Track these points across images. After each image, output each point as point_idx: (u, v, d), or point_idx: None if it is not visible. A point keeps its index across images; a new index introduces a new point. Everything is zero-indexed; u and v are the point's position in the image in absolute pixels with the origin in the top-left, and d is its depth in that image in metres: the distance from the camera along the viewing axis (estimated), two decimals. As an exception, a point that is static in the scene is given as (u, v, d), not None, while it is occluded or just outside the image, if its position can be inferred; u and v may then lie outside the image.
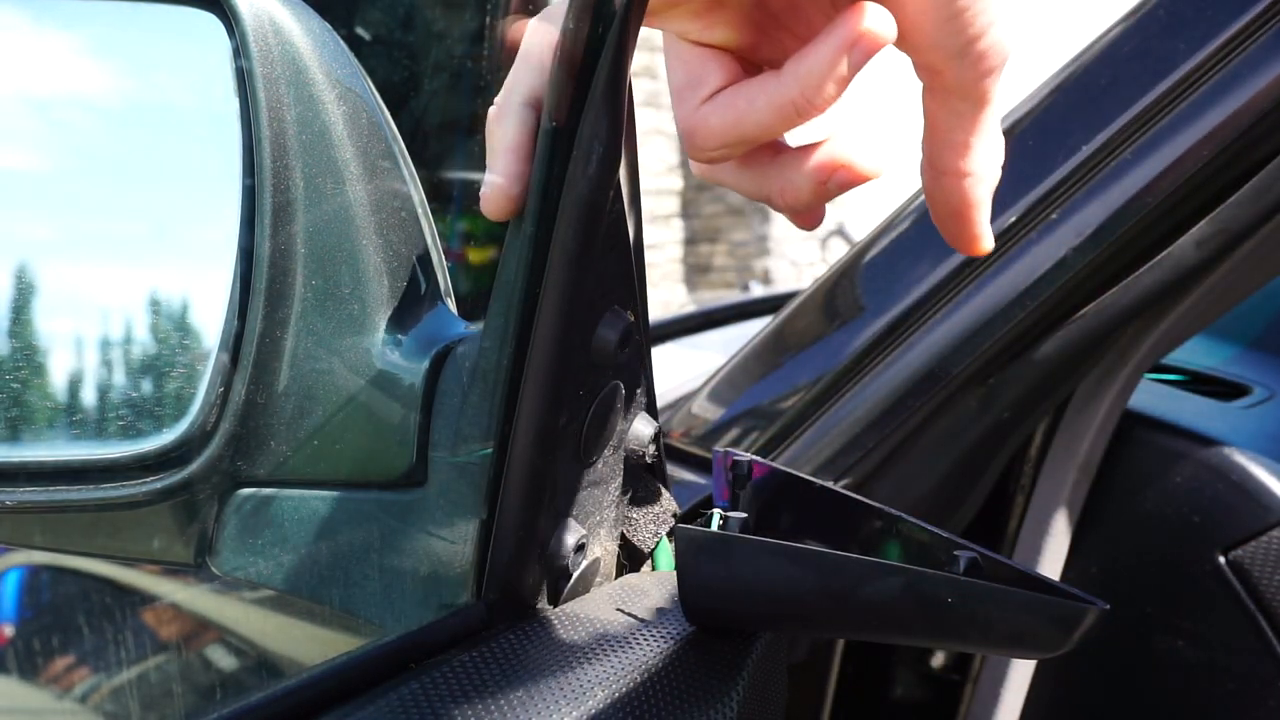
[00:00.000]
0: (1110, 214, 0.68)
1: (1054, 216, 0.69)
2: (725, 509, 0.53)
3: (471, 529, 0.50)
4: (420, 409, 0.52)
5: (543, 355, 0.46)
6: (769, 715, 0.55)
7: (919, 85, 0.41)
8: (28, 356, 0.57)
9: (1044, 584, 0.43)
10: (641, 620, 0.52)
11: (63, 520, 0.58)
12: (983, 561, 0.44)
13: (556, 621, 0.51)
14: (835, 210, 7.22)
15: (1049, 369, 0.74)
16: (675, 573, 0.51)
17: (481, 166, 0.45)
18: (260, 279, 0.52)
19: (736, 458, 0.54)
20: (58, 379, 0.57)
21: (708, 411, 0.90)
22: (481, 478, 0.50)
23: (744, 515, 0.50)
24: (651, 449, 0.58)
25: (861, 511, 0.51)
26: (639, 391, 0.56)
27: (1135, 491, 0.85)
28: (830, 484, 0.65)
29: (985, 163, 0.42)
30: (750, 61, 0.43)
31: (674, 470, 0.81)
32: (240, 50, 0.52)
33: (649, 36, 0.45)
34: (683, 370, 1.25)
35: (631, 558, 0.60)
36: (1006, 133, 0.75)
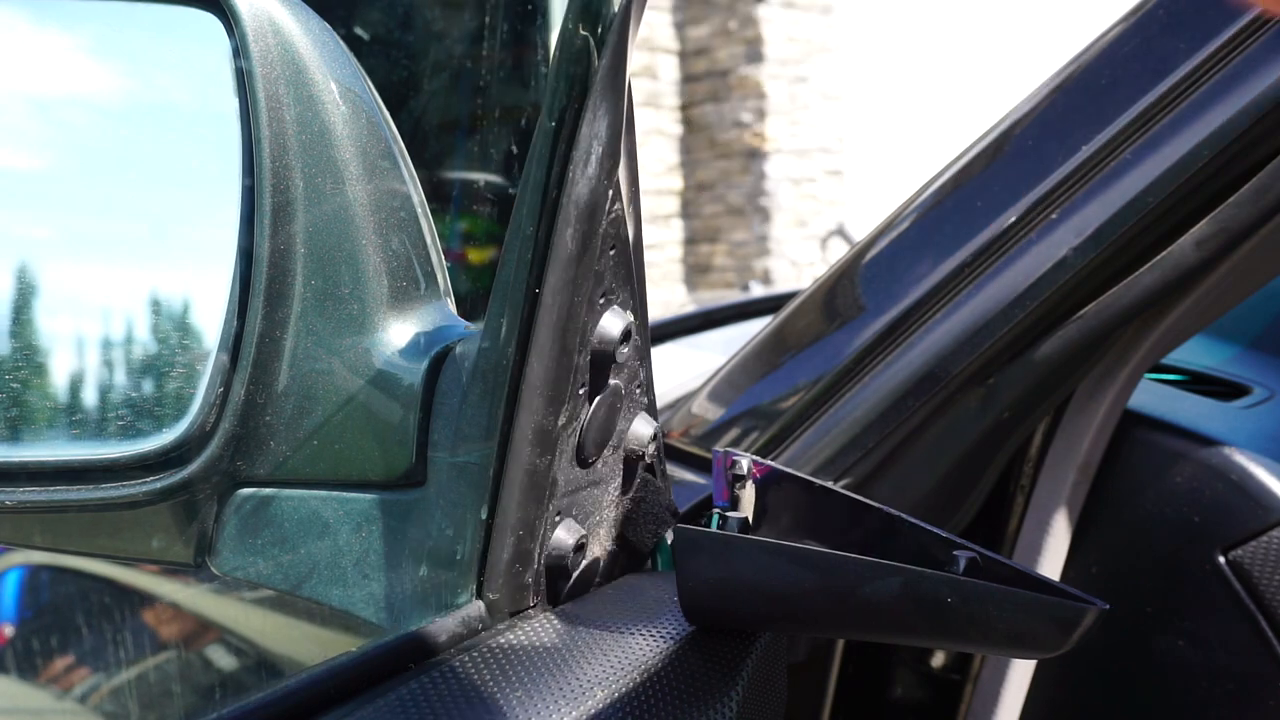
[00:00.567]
0: (1110, 214, 0.68)
1: (1054, 216, 0.69)
2: (725, 509, 0.53)
3: (471, 529, 0.50)
4: (420, 409, 0.52)
5: (542, 355, 0.46)
6: (769, 715, 0.55)
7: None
8: (28, 356, 0.57)
9: (1043, 584, 0.43)
10: (641, 620, 0.52)
11: (63, 520, 0.58)
12: (982, 561, 0.44)
13: (556, 621, 0.51)
14: (835, 210, 7.22)
15: (1049, 369, 0.74)
16: (675, 573, 0.51)
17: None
18: (260, 279, 0.52)
19: (736, 458, 0.54)
20: (58, 379, 0.57)
21: (708, 411, 0.90)
22: (481, 477, 0.50)
23: (744, 515, 0.50)
24: (651, 449, 0.58)
25: (861, 511, 0.51)
26: (639, 391, 0.56)
27: (1135, 491, 0.85)
28: (830, 484, 0.65)
29: None
30: None
31: (674, 470, 0.81)
32: (240, 50, 0.52)
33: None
34: (683, 370, 1.25)
35: (631, 558, 0.60)
36: (1006, 133, 0.75)
